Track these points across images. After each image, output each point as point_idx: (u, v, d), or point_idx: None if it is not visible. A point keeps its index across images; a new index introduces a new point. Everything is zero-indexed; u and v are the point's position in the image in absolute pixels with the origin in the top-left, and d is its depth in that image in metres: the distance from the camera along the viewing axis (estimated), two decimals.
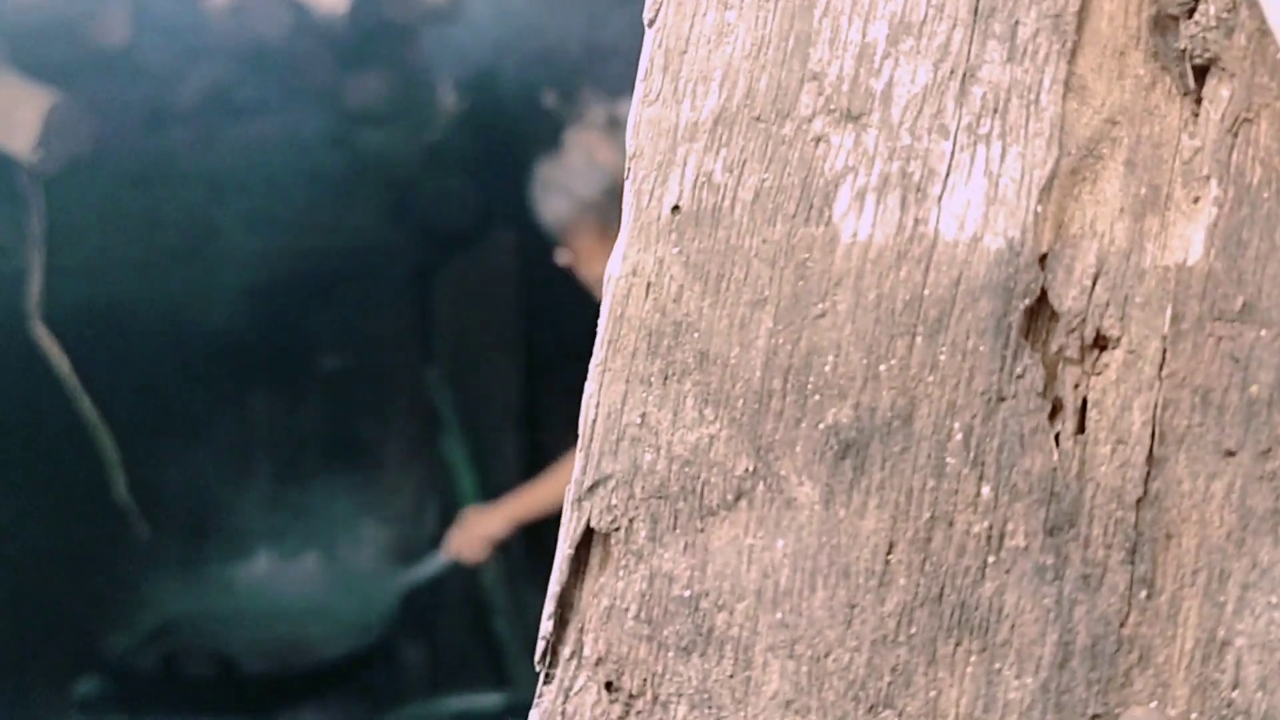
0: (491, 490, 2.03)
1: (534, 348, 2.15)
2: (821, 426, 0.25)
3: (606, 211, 1.39)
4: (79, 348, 1.41)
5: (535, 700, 0.27)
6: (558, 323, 2.14)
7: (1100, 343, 0.24)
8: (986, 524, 0.24)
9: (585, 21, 2.05)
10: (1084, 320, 0.24)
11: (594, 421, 0.27)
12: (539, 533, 2.21)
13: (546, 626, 0.27)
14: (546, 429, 2.21)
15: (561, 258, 1.49)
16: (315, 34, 1.76)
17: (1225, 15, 0.24)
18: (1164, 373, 0.24)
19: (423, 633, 1.98)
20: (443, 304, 2.11)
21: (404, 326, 2.04)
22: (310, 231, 1.84)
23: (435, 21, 1.94)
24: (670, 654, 0.26)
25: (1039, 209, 0.24)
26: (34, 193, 1.40)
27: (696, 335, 0.26)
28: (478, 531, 1.67)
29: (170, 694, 1.63)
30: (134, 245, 1.56)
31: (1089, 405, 0.24)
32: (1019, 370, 0.24)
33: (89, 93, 1.44)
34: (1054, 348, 0.24)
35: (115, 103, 1.52)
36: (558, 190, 1.42)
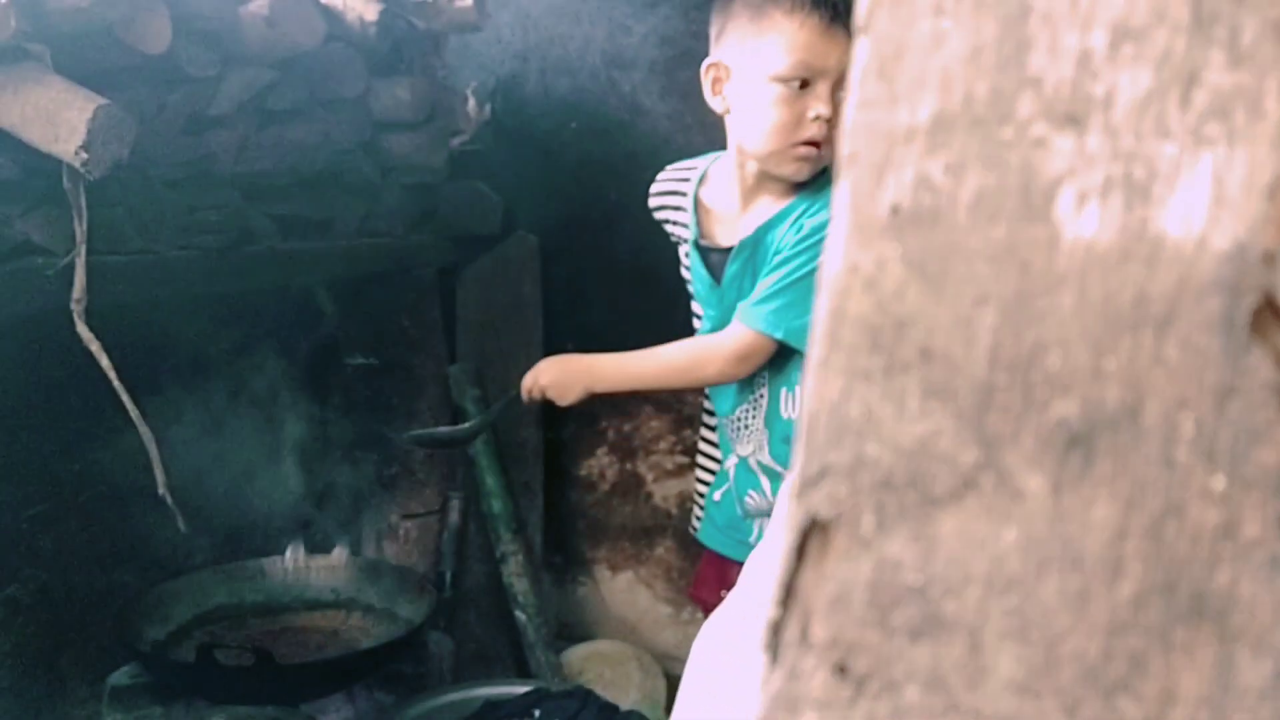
0: (513, 484, 2.03)
1: (553, 347, 2.15)
2: (1048, 420, 0.25)
3: None
4: (120, 346, 1.41)
5: (762, 683, 0.27)
6: (576, 322, 2.15)
7: None
8: (1220, 515, 0.24)
9: (606, 32, 2.05)
10: None
11: (815, 415, 0.27)
12: (559, 527, 2.21)
13: (774, 613, 0.27)
14: (564, 425, 2.22)
15: None
16: (347, 42, 1.76)
17: None
18: None
19: (449, 623, 1.97)
20: (466, 303, 2.11)
21: (429, 325, 2.04)
22: (340, 234, 1.84)
23: (461, 31, 1.95)
24: (900, 639, 0.26)
25: (1265, 210, 0.25)
26: (77, 195, 1.39)
27: (918, 331, 0.26)
28: (551, 389, 1.55)
29: (203, 683, 1.63)
30: (172, 247, 1.55)
31: None
32: (1249, 365, 0.24)
33: (130, 97, 1.44)
34: None
35: (155, 107, 1.51)
36: None
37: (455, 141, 1.97)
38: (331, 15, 1.72)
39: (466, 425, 1.81)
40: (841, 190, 0.28)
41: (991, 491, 0.25)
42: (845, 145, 0.28)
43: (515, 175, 2.08)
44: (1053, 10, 0.26)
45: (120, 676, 1.68)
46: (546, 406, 2.14)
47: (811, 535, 0.27)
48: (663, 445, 2.15)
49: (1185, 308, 0.25)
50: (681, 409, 2.11)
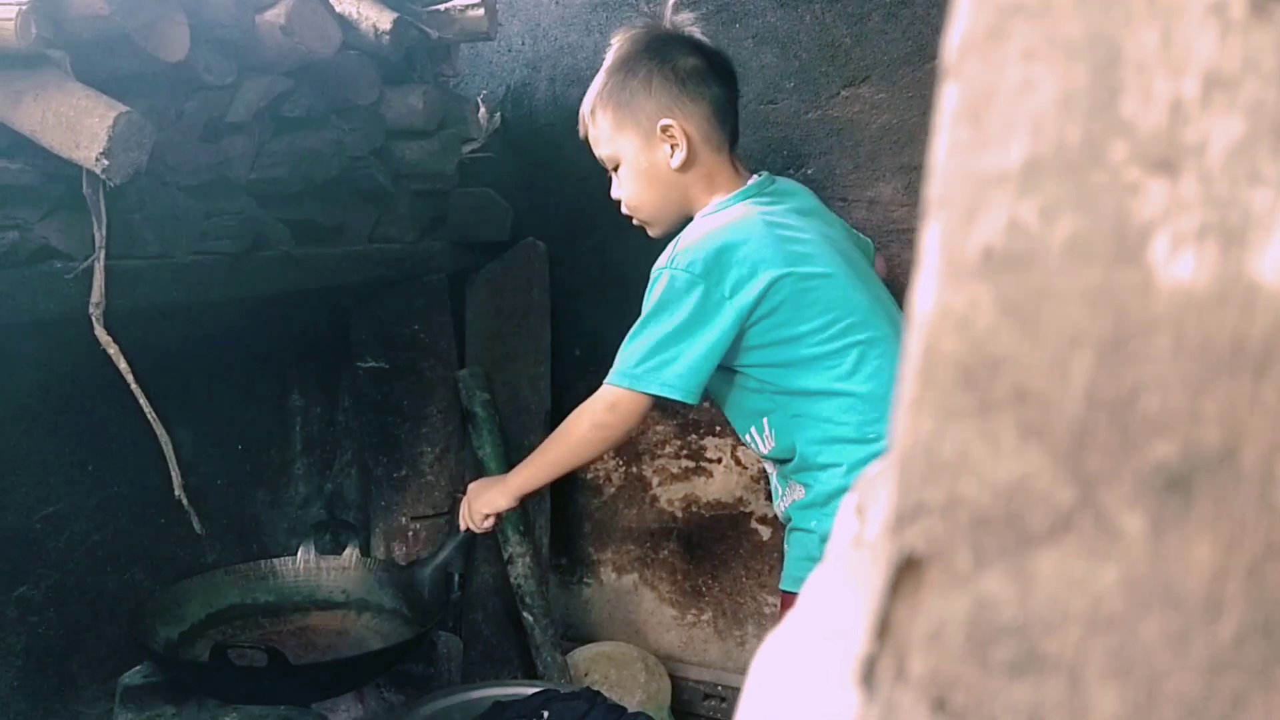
0: None
1: (561, 352, 2.15)
2: (1146, 461, 0.25)
3: None
4: (137, 350, 1.40)
5: (857, 717, 0.27)
6: (584, 328, 2.14)
7: None
8: None
9: None
10: None
11: (908, 452, 0.27)
12: (566, 530, 2.21)
13: (869, 647, 0.27)
14: None
15: None
16: (361, 51, 1.76)
17: None
18: None
19: (457, 624, 1.97)
20: (476, 309, 2.11)
21: (439, 330, 2.04)
22: (352, 240, 1.83)
23: (472, 40, 1.94)
24: (999, 676, 0.26)
25: None
26: (97, 201, 1.39)
27: (1012, 371, 0.26)
28: (478, 506, 1.65)
29: (215, 683, 1.62)
30: (188, 252, 1.55)
31: None
32: None
33: (149, 104, 1.43)
34: None
35: (173, 114, 1.51)
36: None
37: (466, 149, 1.97)
38: (346, 24, 1.71)
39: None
40: (931, 231, 0.28)
41: (1090, 531, 0.25)
42: (935, 187, 0.28)
43: (525, 182, 2.08)
44: (1144, 58, 0.27)
45: (132, 676, 1.68)
46: (555, 407, 2.14)
47: (906, 571, 0.27)
48: (668, 449, 2.15)
49: None
50: (687, 413, 2.11)
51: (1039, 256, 0.27)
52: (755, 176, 1.56)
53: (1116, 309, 0.26)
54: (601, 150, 1.55)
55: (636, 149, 1.50)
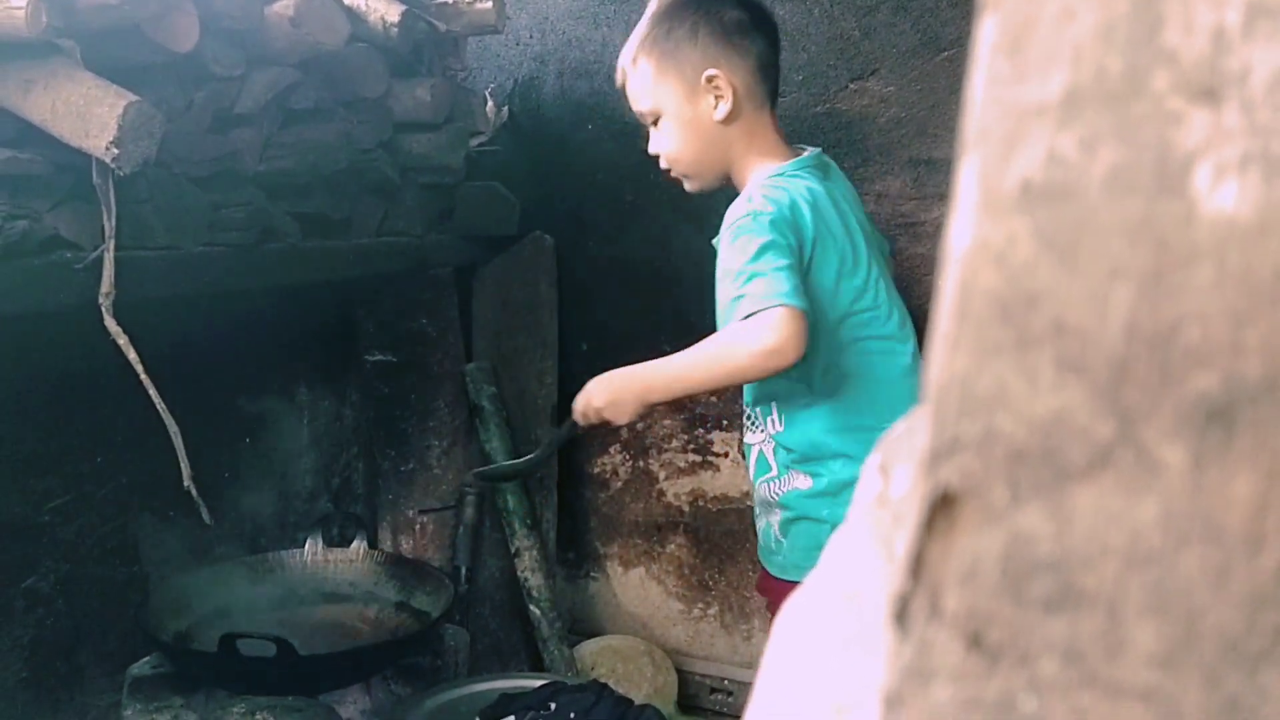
0: (528, 480, 2.03)
1: (568, 346, 2.15)
2: (1187, 393, 0.25)
3: None
4: (146, 341, 1.40)
5: (890, 657, 0.27)
6: (591, 322, 2.14)
7: None
8: None
9: (623, 34, 2.04)
10: None
11: (944, 387, 0.27)
12: (572, 524, 2.21)
13: (904, 585, 0.26)
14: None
15: None
16: (369, 43, 1.76)
17: None
18: None
19: (464, 617, 1.97)
20: (483, 302, 2.10)
21: (446, 323, 2.03)
22: (360, 233, 1.83)
23: (480, 34, 1.94)
24: (1035, 611, 0.25)
25: None
26: (107, 191, 1.38)
27: (1051, 305, 0.26)
28: (606, 412, 1.47)
29: (224, 673, 1.62)
30: (197, 243, 1.55)
31: None
32: None
33: (158, 95, 1.43)
34: None
35: (182, 104, 1.51)
36: None
37: (474, 142, 1.96)
38: (354, 16, 1.71)
39: (530, 456, 1.76)
40: (969, 165, 0.27)
41: (1129, 465, 0.25)
42: (972, 120, 0.27)
43: (532, 176, 2.08)
44: None
45: (141, 667, 1.67)
46: (562, 401, 2.14)
47: (940, 508, 0.26)
48: (675, 444, 2.14)
49: None
50: (694, 408, 2.11)
51: (1079, 189, 0.26)
52: (808, 150, 1.53)
53: (1158, 241, 0.25)
54: (641, 104, 1.50)
55: (679, 100, 1.46)
